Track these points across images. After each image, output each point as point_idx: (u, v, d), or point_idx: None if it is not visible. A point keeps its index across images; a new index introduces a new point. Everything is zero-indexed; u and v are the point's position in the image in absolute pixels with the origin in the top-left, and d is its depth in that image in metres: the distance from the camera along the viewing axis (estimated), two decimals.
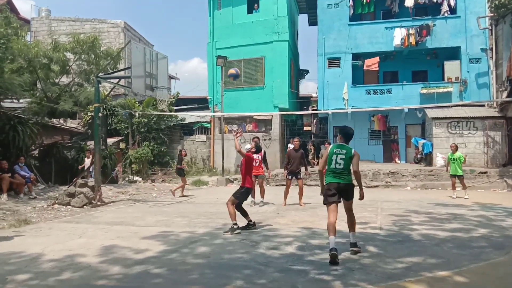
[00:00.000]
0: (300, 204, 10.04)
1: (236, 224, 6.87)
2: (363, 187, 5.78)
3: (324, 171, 5.84)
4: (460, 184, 11.70)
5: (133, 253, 5.54)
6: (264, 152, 10.43)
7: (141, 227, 7.52)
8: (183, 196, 12.63)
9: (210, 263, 5.06)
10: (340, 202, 5.53)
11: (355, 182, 5.62)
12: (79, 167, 15.18)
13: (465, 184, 11.79)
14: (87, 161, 14.70)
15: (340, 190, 5.49)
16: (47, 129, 15.89)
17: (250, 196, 10.15)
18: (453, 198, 11.46)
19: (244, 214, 7.21)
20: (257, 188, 10.35)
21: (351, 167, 5.62)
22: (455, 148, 11.70)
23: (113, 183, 16.02)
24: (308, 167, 11.53)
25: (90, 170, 14.80)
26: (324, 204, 5.62)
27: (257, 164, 10.16)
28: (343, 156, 5.56)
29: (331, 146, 5.84)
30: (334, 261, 4.93)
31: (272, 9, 19.93)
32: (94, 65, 15.56)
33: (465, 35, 18.79)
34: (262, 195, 10.39)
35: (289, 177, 10.19)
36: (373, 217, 8.27)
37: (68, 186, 12.08)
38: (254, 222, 7.28)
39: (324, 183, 5.72)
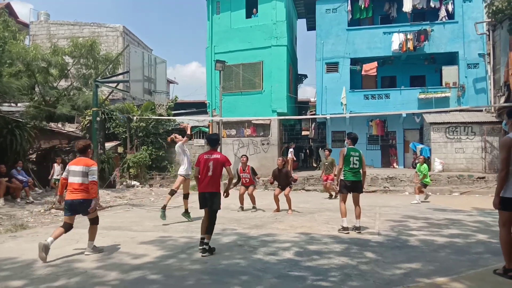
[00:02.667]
0: (289, 212, 9.69)
1: (202, 238, 5.90)
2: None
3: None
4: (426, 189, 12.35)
5: (130, 258, 5.51)
6: (252, 168, 10.48)
7: (139, 232, 7.49)
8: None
9: (207, 269, 5.03)
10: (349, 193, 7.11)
11: None
12: (49, 177, 14.09)
13: (418, 190, 11.96)
14: (57, 168, 13.93)
15: (354, 185, 7.05)
16: (45, 133, 15.86)
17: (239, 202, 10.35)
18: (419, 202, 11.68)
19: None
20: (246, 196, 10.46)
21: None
22: (422, 161, 12.34)
23: (111, 188, 15.97)
24: (308, 172, 11.47)
25: None
26: (340, 193, 7.29)
27: (247, 181, 10.38)
28: (358, 158, 7.01)
29: (346, 149, 7.06)
30: (347, 232, 6.87)
31: (270, 14, 19.97)
32: (93, 69, 15.54)
33: (463, 40, 18.89)
34: (253, 202, 10.35)
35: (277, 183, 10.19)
36: (371, 222, 8.25)
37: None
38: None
39: (342, 178, 7.11)
